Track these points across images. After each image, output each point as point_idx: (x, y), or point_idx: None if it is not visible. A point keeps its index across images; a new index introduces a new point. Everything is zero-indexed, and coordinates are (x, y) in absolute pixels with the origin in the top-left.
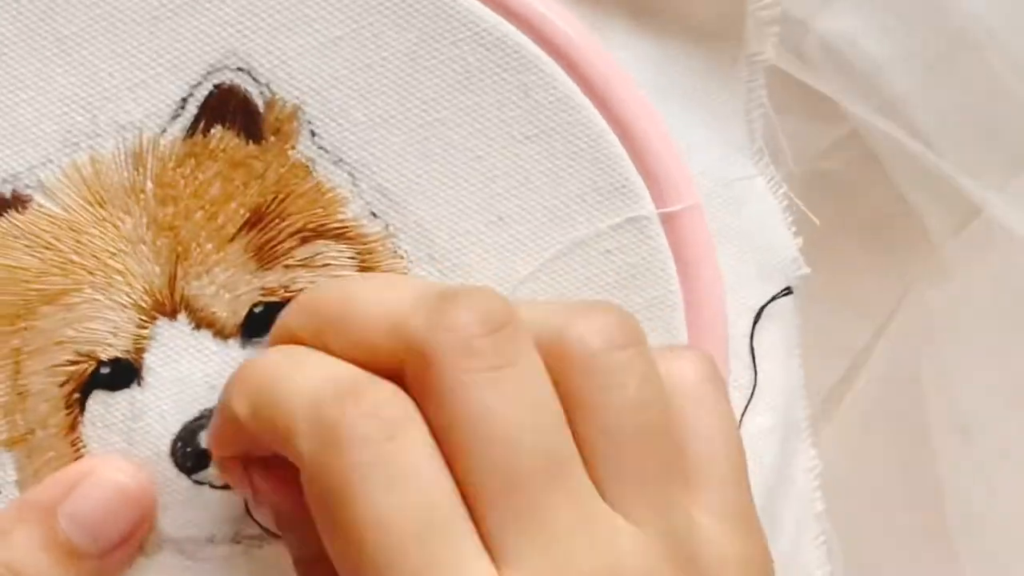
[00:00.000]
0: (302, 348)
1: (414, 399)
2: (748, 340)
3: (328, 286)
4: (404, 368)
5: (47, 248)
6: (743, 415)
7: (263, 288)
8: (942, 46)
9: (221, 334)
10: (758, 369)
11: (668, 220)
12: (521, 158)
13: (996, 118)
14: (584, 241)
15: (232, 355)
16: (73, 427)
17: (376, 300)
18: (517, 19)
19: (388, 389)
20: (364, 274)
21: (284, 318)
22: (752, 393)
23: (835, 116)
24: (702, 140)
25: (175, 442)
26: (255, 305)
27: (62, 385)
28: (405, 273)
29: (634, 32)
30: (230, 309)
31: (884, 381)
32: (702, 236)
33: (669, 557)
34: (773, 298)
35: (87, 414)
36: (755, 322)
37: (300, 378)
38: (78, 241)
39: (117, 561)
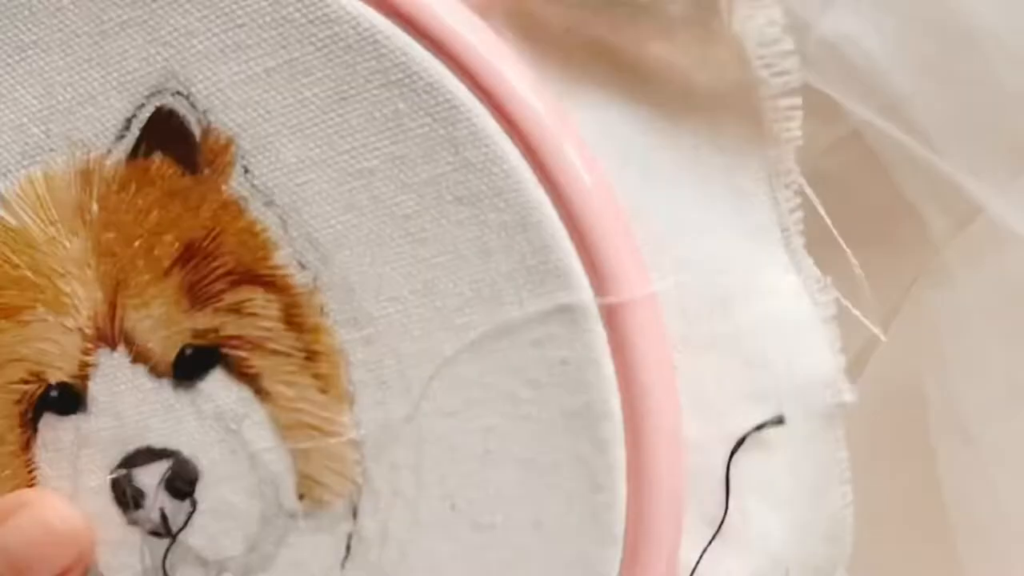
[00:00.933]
0: None
1: None
2: (725, 471)
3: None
4: None
5: (5, 261)
6: (701, 555)
7: (193, 330)
8: (942, 46)
9: (155, 371)
10: (730, 508)
11: (611, 314)
12: (450, 222)
13: (997, 118)
14: (512, 326)
15: (163, 395)
16: (27, 447)
17: None
18: (454, 63)
19: None
20: None
21: None
22: (718, 530)
23: (835, 116)
24: (693, 224)
25: (113, 478)
26: (186, 346)
27: (16, 403)
28: (329, 335)
29: (614, 95)
30: (163, 347)
31: (884, 381)
32: (652, 335)
33: None
34: (761, 427)
35: (39, 436)
36: (733, 451)
37: None
38: (33, 258)
39: None
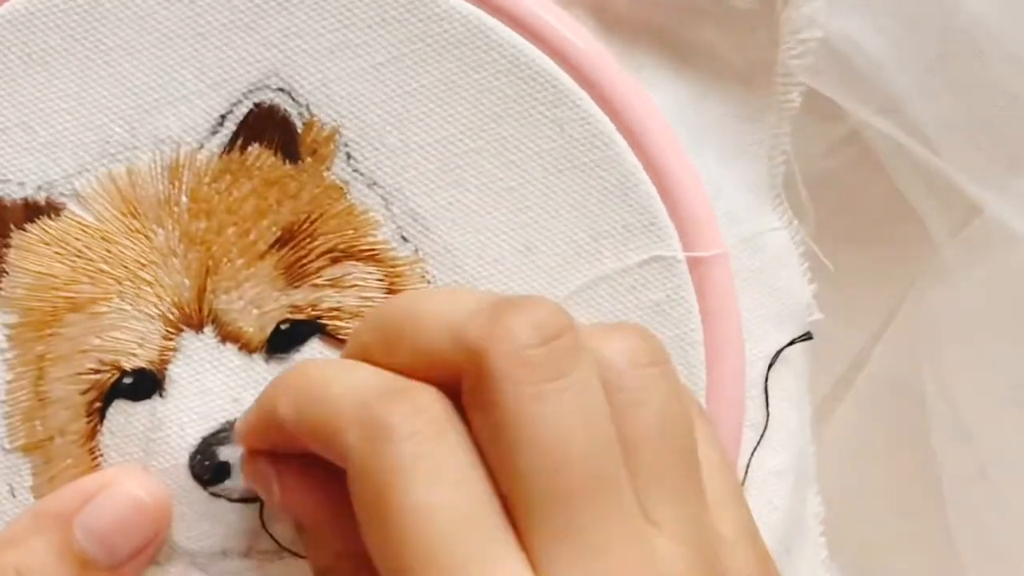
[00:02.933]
0: (349, 360)
1: (467, 408)
2: (763, 382)
3: (395, 299)
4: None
5: (78, 256)
6: (752, 454)
7: (291, 306)
8: (942, 46)
9: (246, 348)
10: (771, 412)
11: (694, 263)
12: (552, 190)
13: (996, 118)
14: (610, 275)
15: (256, 370)
16: (92, 435)
17: (438, 310)
18: (555, 54)
19: (431, 393)
20: (430, 287)
21: (356, 331)
22: (763, 433)
23: (835, 116)
24: (730, 183)
25: (194, 454)
26: (282, 322)
27: (84, 393)
28: None
29: (668, 74)
30: (257, 324)
31: (884, 382)
32: (726, 283)
33: (707, 572)
34: (792, 342)
35: (107, 423)
36: (770, 366)
37: (348, 381)
38: (109, 251)
39: (129, 573)
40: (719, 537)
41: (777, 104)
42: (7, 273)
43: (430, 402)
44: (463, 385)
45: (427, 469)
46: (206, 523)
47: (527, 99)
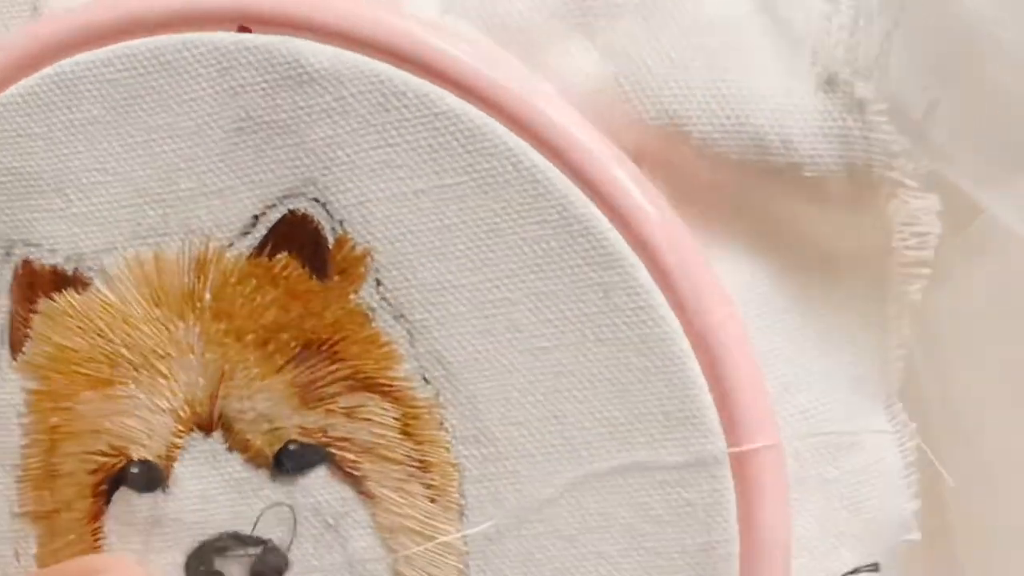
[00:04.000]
0: None
1: None
2: None
3: None
4: None
5: (99, 335)
6: None
7: (301, 427)
8: (942, 46)
9: (253, 461)
10: None
11: (740, 462)
12: (589, 360)
13: (997, 117)
14: (642, 465)
15: (259, 485)
16: (96, 516)
17: None
18: (611, 211)
19: None
20: None
21: None
22: None
23: None
24: (818, 378)
25: (190, 558)
26: (290, 442)
27: (91, 473)
28: (446, 449)
29: (746, 251)
30: (265, 439)
31: None
32: (776, 482)
33: None
34: (855, 571)
35: (111, 507)
36: None
37: None
38: (129, 335)
39: None
40: None
41: (894, 295)
42: (31, 339)
43: None
44: None
45: None
46: None
47: (572, 256)
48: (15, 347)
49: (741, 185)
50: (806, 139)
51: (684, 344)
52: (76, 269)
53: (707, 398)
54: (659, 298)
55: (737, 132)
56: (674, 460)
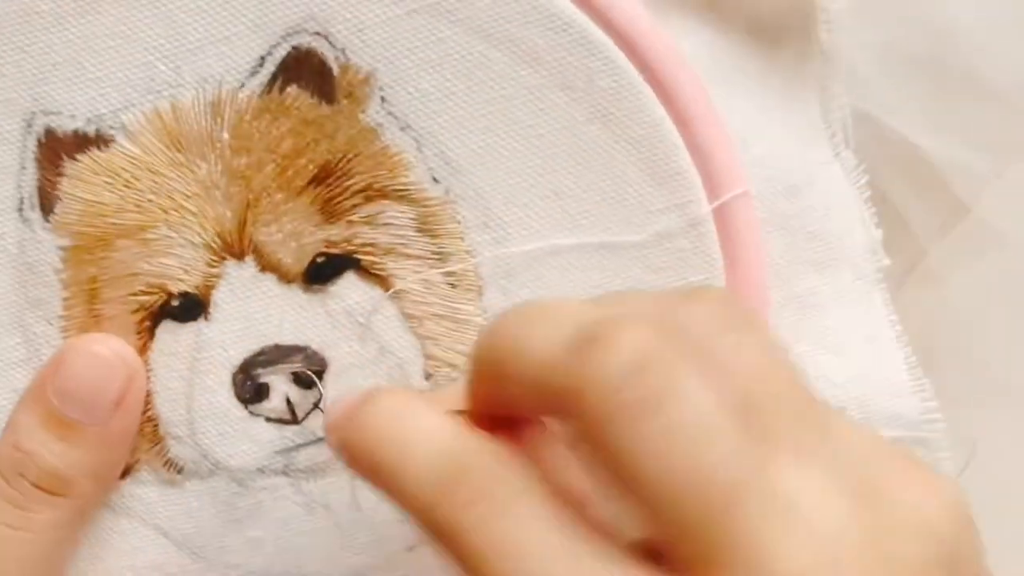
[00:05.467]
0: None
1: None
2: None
3: (496, 328)
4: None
5: (126, 186)
6: None
7: (326, 240)
8: (927, 47)
9: (285, 278)
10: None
11: (720, 208)
12: (580, 139)
13: (982, 118)
14: (635, 222)
15: (293, 298)
16: (143, 351)
17: (534, 347)
18: (585, 5)
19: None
20: (530, 303)
21: (470, 359)
22: None
23: None
24: (775, 129)
25: (235, 374)
26: (318, 255)
27: (134, 312)
28: (460, 238)
29: (698, 22)
30: (294, 256)
31: None
32: (748, 223)
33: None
34: None
35: (156, 342)
36: None
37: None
38: (155, 182)
39: (119, 430)
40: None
41: (823, 48)
42: (60, 200)
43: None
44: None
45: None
46: (245, 442)
47: (557, 50)
48: (46, 210)
49: None
50: None
51: (660, 111)
52: (97, 129)
53: (685, 155)
54: (635, 75)
55: None
56: (663, 205)
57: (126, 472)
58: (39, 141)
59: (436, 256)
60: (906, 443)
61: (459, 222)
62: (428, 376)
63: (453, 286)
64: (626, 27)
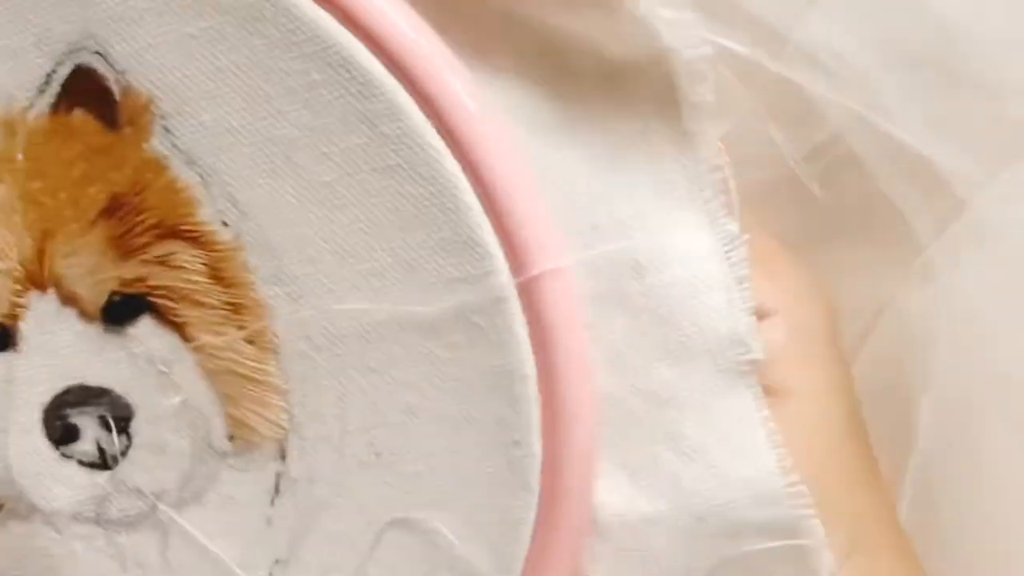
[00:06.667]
0: None
1: None
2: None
3: None
4: None
5: None
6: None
7: (120, 278)
8: (922, 45)
9: (85, 315)
10: (642, 455)
11: (525, 284)
12: (368, 192)
13: (978, 115)
14: (429, 295)
15: (96, 337)
16: None
17: None
18: (367, 36)
19: None
20: None
21: None
22: None
23: (816, 120)
24: (608, 188)
25: (46, 411)
26: (113, 293)
27: None
28: (252, 289)
29: (528, 66)
30: (91, 293)
31: (869, 383)
32: (564, 301)
33: None
34: None
35: None
36: None
37: None
38: None
39: None
40: None
41: (686, 97)
42: None
43: None
44: None
45: None
46: (58, 484)
47: (335, 88)
48: None
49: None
50: None
51: (452, 166)
52: None
53: (482, 219)
54: (422, 121)
55: None
56: (455, 277)
57: None
58: None
59: (229, 307)
60: (779, 553)
61: (251, 271)
62: (231, 437)
63: (250, 342)
64: (413, 66)
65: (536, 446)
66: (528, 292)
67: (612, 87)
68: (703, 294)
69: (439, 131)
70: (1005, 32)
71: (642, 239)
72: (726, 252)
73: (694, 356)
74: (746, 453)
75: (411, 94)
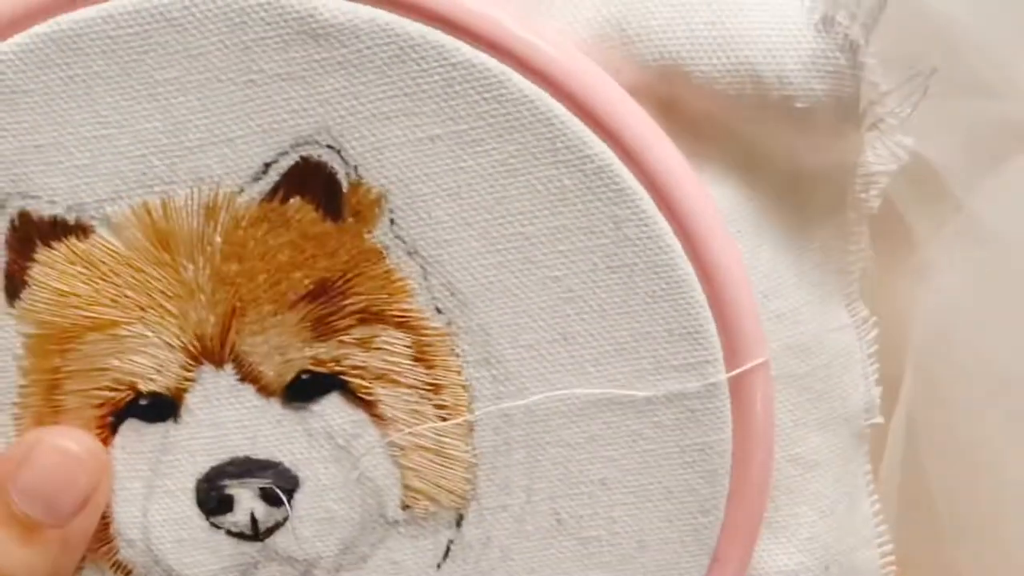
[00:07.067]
0: None
1: None
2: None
3: None
4: None
5: (102, 280)
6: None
7: (314, 358)
8: (918, 46)
9: (264, 391)
10: (784, 514)
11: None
12: (599, 286)
13: (975, 116)
14: (646, 372)
15: (271, 412)
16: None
17: None
18: (622, 150)
19: None
20: None
21: None
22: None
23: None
24: (785, 281)
25: (201, 482)
26: (303, 372)
27: (97, 407)
28: (457, 372)
29: (731, 171)
30: (278, 370)
31: None
32: (765, 396)
33: None
34: None
35: (118, 438)
36: None
37: None
38: (135, 278)
39: (80, 531)
40: None
41: (853, 202)
42: (29, 286)
43: None
44: None
45: None
46: (203, 552)
47: (586, 193)
48: (11, 294)
49: (734, 116)
50: (800, 74)
51: (687, 267)
52: (78, 218)
53: (707, 314)
54: (665, 227)
55: (736, 71)
56: (677, 363)
57: None
58: (12, 224)
59: (429, 387)
60: None
61: (459, 355)
62: (405, 507)
63: (443, 419)
64: (662, 176)
65: (722, 514)
66: (738, 380)
67: (796, 190)
68: (849, 370)
69: (678, 235)
70: (1005, 32)
71: (807, 325)
72: (861, 331)
73: (838, 424)
74: (857, 502)
75: (656, 202)
